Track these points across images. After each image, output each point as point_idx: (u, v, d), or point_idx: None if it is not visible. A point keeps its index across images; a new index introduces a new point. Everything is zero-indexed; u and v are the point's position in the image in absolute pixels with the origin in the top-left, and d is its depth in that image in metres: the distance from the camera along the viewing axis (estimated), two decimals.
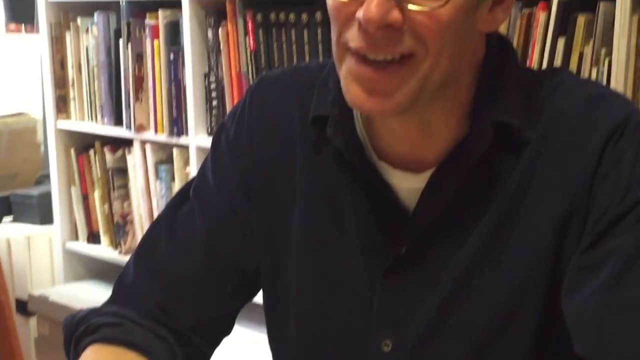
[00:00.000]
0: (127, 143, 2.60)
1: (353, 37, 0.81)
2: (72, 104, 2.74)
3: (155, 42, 2.42)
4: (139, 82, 2.49)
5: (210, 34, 2.30)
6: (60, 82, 2.75)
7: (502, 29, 1.69)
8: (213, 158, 1.00)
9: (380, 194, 0.90)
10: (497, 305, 0.86)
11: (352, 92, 0.84)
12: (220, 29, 2.27)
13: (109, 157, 2.67)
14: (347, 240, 0.92)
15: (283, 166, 0.95)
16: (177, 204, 1.00)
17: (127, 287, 0.97)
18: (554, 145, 0.86)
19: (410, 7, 0.78)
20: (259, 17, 2.17)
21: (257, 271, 0.97)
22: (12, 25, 3.73)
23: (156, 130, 2.47)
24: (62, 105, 2.76)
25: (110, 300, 0.98)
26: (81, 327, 0.93)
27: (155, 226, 1.00)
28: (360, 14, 0.79)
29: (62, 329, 0.96)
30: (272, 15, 2.15)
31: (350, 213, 0.92)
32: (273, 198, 0.96)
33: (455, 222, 0.88)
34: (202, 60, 2.33)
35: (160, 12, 2.40)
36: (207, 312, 0.96)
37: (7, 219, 3.11)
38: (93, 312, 0.95)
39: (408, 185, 0.90)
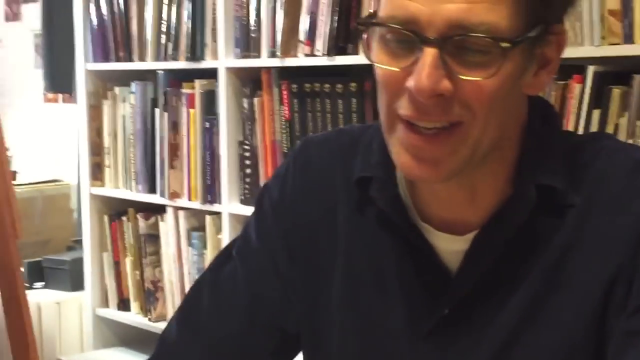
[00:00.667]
0: (160, 210, 2.63)
1: (403, 106, 0.82)
2: (106, 171, 2.78)
3: (191, 111, 2.47)
4: (174, 149, 2.53)
5: (245, 103, 2.35)
6: (96, 150, 2.80)
7: None
8: (256, 218, 1.01)
9: (423, 255, 0.91)
10: None
11: (402, 160, 0.85)
12: (255, 99, 2.31)
13: (141, 223, 2.69)
14: (390, 301, 0.92)
15: (325, 227, 0.96)
16: (220, 264, 1.01)
17: (170, 345, 0.98)
18: (598, 209, 0.86)
19: (461, 76, 0.80)
20: (294, 87, 2.21)
21: (299, 331, 0.97)
22: (50, 95, 3.82)
23: (190, 198, 2.49)
24: (97, 172, 2.81)
25: (154, 357, 0.98)
26: None
27: (198, 285, 1.01)
28: (411, 83, 0.79)
29: None
30: (307, 85, 2.19)
31: (392, 274, 0.92)
32: (315, 258, 0.96)
33: (499, 284, 0.88)
34: (237, 129, 2.37)
35: (197, 82, 2.46)
36: None
37: (39, 284, 3.13)
38: None
39: (451, 247, 0.90)
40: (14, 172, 2.54)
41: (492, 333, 0.88)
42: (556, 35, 0.85)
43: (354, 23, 2.05)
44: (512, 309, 0.87)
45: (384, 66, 0.82)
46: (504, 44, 0.78)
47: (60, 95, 3.81)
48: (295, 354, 1.01)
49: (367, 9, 2.02)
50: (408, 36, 0.79)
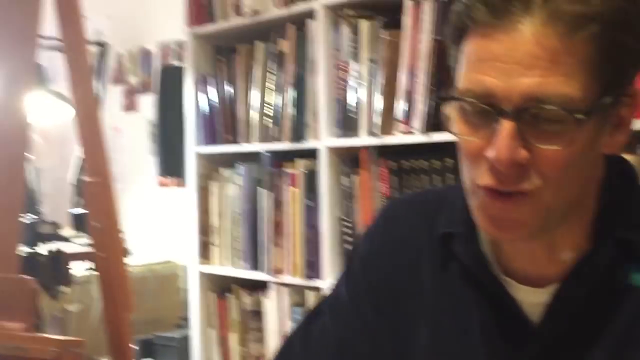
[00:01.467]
0: (264, 286, 2.71)
1: (482, 175, 0.86)
2: (213, 249, 2.89)
3: (294, 189, 2.56)
4: (277, 227, 2.62)
5: (345, 181, 2.42)
6: (204, 229, 2.92)
7: None
8: (346, 274, 1.06)
9: (506, 308, 0.94)
10: None
11: (483, 225, 0.89)
12: (355, 176, 2.39)
13: (246, 300, 2.77)
14: (473, 353, 0.95)
15: (411, 280, 1.00)
16: (311, 318, 1.07)
17: None
18: None
19: (538, 145, 0.83)
20: (392, 164, 2.28)
21: None
22: (164, 179, 4.01)
23: (292, 274, 2.56)
24: (204, 250, 2.92)
25: None
26: None
27: (290, 339, 1.07)
28: (490, 154, 0.83)
29: None
30: (405, 163, 2.25)
31: (476, 327, 0.96)
32: (401, 311, 1.00)
33: (579, 337, 0.90)
34: (337, 206, 2.44)
35: (299, 162, 2.56)
36: None
37: None
38: None
39: (532, 300, 0.93)
40: (128, 250, 2.67)
41: None
42: (632, 97, 0.88)
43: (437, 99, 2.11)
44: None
45: (465, 137, 0.87)
46: (579, 116, 0.81)
47: (173, 180, 4.00)
48: None
49: None
50: (485, 109, 0.83)
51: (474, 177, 0.87)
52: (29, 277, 1.89)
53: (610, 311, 0.89)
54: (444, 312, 0.98)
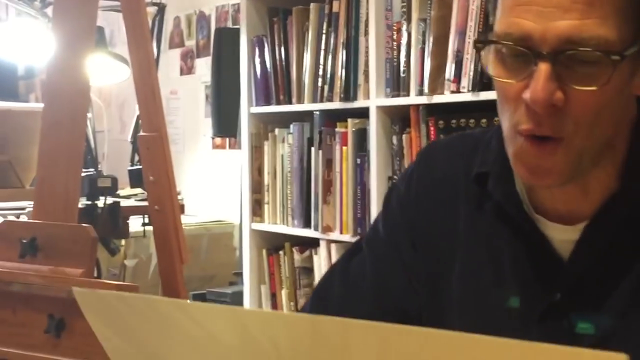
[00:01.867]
0: (314, 244, 2.77)
1: (521, 120, 0.89)
2: (266, 207, 2.96)
3: (344, 148, 2.61)
4: (328, 186, 2.67)
5: (394, 140, 2.46)
6: (257, 188, 2.99)
7: None
8: (384, 212, 1.11)
9: (537, 244, 0.97)
10: None
11: (518, 170, 0.93)
12: (404, 135, 2.42)
13: (297, 257, 2.84)
14: (506, 287, 0.99)
15: (447, 219, 1.04)
16: (351, 254, 1.12)
17: None
18: None
19: (574, 86, 0.85)
20: (440, 123, 2.30)
21: (420, 314, 1.06)
22: (218, 141, 4.10)
23: (341, 231, 2.62)
24: (257, 208, 2.99)
25: None
26: None
27: (331, 272, 1.12)
28: (527, 95, 0.86)
29: None
30: (453, 122, 2.27)
31: (508, 262, 0.99)
32: (436, 247, 1.05)
33: (608, 271, 0.93)
34: (386, 165, 2.48)
35: (350, 121, 2.60)
36: None
37: None
38: None
39: (563, 237, 0.96)
40: (183, 206, 2.76)
41: (603, 316, 0.93)
42: None
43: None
44: (621, 295, 0.92)
45: (502, 79, 0.89)
46: (614, 57, 0.84)
47: (227, 142, 4.08)
48: None
49: None
50: (523, 52, 0.86)
51: (513, 123, 0.90)
52: (88, 225, 1.97)
53: (638, 247, 0.92)
54: (477, 249, 1.02)
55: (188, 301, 0.65)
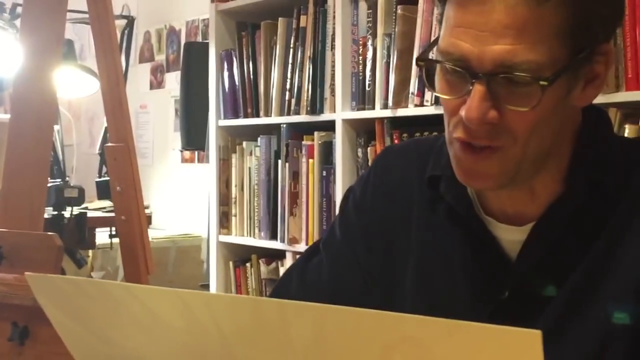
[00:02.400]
0: (281, 255, 2.79)
1: (457, 129, 0.94)
2: (233, 220, 2.98)
3: (310, 161, 2.64)
4: (294, 198, 2.70)
5: (360, 152, 2.50)
6: (224, 200, 3.01)
7: None
8: (341, 215, 1.14)
9: (487, 245, 1.01)
10: (589, 343, 0.94)
11: (458, 173, 0.97)
12: (369, 148, 2.46)
13: (263, 268, 2.86)
14: (456, 286, 1.02)
15: (401, 221, 1.08)
16: (308, 256, 1.15)
17: None
18: None
19: (507, 106, 0.90)
20: (404, 136, 2.34)
21: None
22: (187, 155, 4.11)
23: (307, 243, 2.64)
24: (224, 221, 3.01)
25: None
26: None
27: (289, 272, 1.15)
28: (462, 112, 0.91)
29: None
30: (417, 134, 2.31)
31: (459, 262, 1.03)
32: (391, 250, 1.08)
33: (553, 269, 0.97)
34: (352, 177, 2.51)
35: (316, 134, 2.63)
36: None
37: None
38: None
39: (511, 237, 1.00)
40: (150, 216, 2.78)
41: (547, 312, 0.96)
42: (604, 55, 0.94)
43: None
44: (565, 292, 0.96)
45: (442, 96, 0.95)
46: (543, 82, 0.88)
47: (196, 156, 4.10)
48: None
49: None
50: (460, 72, 0.91)
51: (451, 130, 0.95)
52: (53, 234, 1.98)
53: (582, 245, 0.96)
54: (430, 250, 1.06)
55: (135, 284, 0.67)
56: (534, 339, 0.51)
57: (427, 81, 0.97)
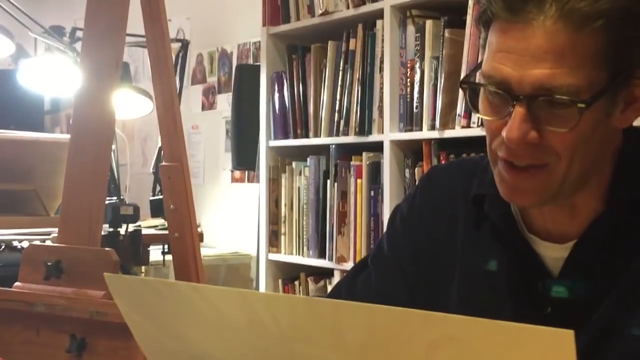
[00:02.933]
0: (329, 274, 2.84)
1: (500, 148, 0.98)
2: (282, 238, 3.04)
3: (359, 181, 2.69)
4: (342, 217, 2.75)
5: (407, 173, 2.54)
6: (274, 219, 3.07)
7: None
8: (388, 232, 1.19)
9: (530, 261, 1.05)
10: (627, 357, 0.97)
11: (501, 190, 1.01)
12: (416, 169, 2.50)
13: (311, 286, 2.90)
14: (500, 302, 1.06)
15: (447, 238, 1.12)
16: (357, 271, 1.20)
17: None
18: None
19: (547, 127, 0.94)
20: (451, 157, 2.38)
21: None
22: (237, 174, 4.19)
23: (354, 261, 2.69)
24: (273, 239, 3.07)
25: None
26: None
27: (338, 287, 1.20)
28: (504, 133, 0.95)
29: None
30: (464, 155, 2.35)
31: (503, 278, 1.07)
32: (437, 264, 1.12)
33: (594, 286, 1.00)
34: (399, 197, 2.55)
35: (364, 155, 2.68)
36: None
37: None
38: None
39: (553, 255, 1.04)
40: (202, 234, 2.84)
41: (589, 329, 0.99)
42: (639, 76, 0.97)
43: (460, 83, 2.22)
44: (606, 309, 0.99)
45: (485, 117, 0.99)
46: (580, 105, 0.91)
47: (246, 176, 4.18)
48: None
49: None
50: (502, 94, 0.95)
51: (493, 148, 0.99)
52: (110, 249, 2.06)
53: (623, 263, 0.99)
54: (475, 266, 1.09)
55: (203, 284, 0.73)
56: (567, 338, 0.56)
57: (470, 103, 1.02)
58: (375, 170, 2.65)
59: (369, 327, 0.60)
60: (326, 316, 0.61)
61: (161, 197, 2.56)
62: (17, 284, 2.07)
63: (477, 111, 1.00)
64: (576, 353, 0.99)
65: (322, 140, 2.85)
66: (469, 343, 0.57)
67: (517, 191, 0.99)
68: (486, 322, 0.56)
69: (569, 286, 1.01)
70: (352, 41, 2.75)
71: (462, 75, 2.35)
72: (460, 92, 2.36)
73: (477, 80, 0.99)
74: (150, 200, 3.06)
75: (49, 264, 2.03)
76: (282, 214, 3.04)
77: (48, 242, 2.56)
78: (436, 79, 2.44)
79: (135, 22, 2.39)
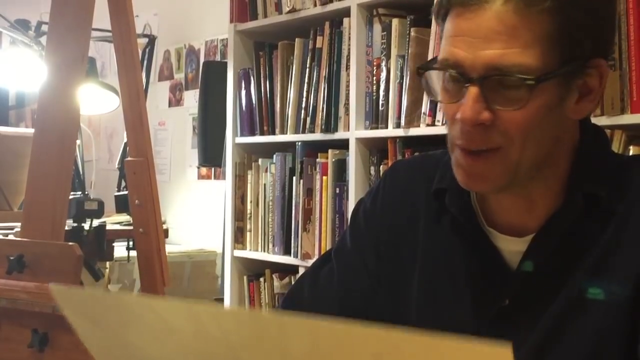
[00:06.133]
0: (294, 270, 2.84)
1: (457, 135, 1.01)
2: (247, 235, 3.04)
3: (324, 178, 2.70)
4: (308, 214, 2.76)
5: (372, 170, 2.55)
6: (240, 216, 3.07)
7: None
8: (351, 226, 1.20)
9: (488, 255, 1.07)
10: (583, 349, 0.99)
11: (458, 176, 1.04)
12: (381, 166, 2.52)
13: (276, 283, 2.91)
14: (460, 294, 1.08)
15: (408, 231, 1.14)
16: (320, 264, 1.21)
17: None
18: (638, 215, 1.00)
19: (497, 107, 0.97)
20: (416, 155, 2.40)
21: (382, 319, 1.14)
22: (204, 171, 4.18)
23: None
24: (239, 236, 3.07)
25: None
26: None
27: (302, 279, 1.21)
28: (458, 115, 0.98)
29: None
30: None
31: (462, 271, 1.08)
32: (398, 258, 1.14)
33: (551, 279, 1.02)
34: (364, 194, 2.56)
35: (330, 152, 2.69)
36: None
37: None
38: None
39: (512, 248, 1.05)
40: (167, 230, 2.84)
41: (546, 319, 1.02)
42: (596, 68, 1.00)
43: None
44: (562, 300, 1.01)
45: (444, 102, 1.02)
46: (529, 82, 0.94)
47: (212, 172, 4.17)
48: None
49: None
50: (457, 77, 0.98)
51: (451, 137, 1.02)
52: (73, 244, 2.05)
53: (578, 255, 1.02)
54: (435, 259, 1.11)
55: (149, 295, 0.73)
56: (505, 354, 0.57)
57: (426, 90, 1.04)
58: (340, 168, 2.67)
59: (313, 341, 0.61)
60: (272, 330, 0.63)
61: (126, 192, 2.56)
62: None
63: (433, 96, 1.03)
64: (532, 348, 1.02)
65: (289, 137, 2.86)
66: (411, 356, 0.59)
67: (472, 176, 1.01)
68: (426, 339, 0.58)
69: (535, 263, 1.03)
70: (319, 39, 2.76)
71: None
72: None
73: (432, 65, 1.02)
74: (115, 196, 3.04)
75: (12, 258, 2.02)
76: (248, 211, 3.04)
77: (11, 237, 2.54)
78: (402, 77, 2.45)
79: (102, 17, 2.38)
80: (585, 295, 1.00)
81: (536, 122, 0.97)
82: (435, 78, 1.02)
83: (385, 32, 2.52)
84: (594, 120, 1.11)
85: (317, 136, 2.74)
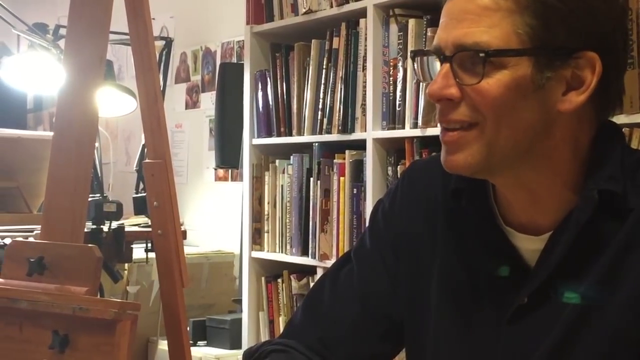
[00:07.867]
0: (312, 271, 2.85)
1: (437, 114, 1.04)
2: (265, 236, 3.05)
3: (342, 179, 2.71)
4: (325, 215, 2.76)
5: (390, 170, 2.55)
6: (257, 217, 3.08)
7: None
8: (370, 226, 1.20)
9: (507, 253, 1.07)
10: (601, 350, 0.99)
11: (442, 157, 1.05)
12: (399, 166, 2.52)
13: (294, 284, 2.92)
14: (478, 293, 1.08)
15: (427, 231, 1.14)
16: (340, 265, 1.21)
17: (295, 324, 1.18)
18: None
19: (464, 82, 0.99)
20: (433, 154, 2.39)
21: (402, 319, 1.14)
22: (221, 173, 4.19)
23: (337, 259, 2.70)
24: (257, 237, 3.08)
25: (281, 335, 1.18)
26: (255, 354, 1.14)
27: (322, 280, 1.21)
28: (427, 90, 1.02)
29: (242, 358, 1.17)
30: None
31: (481, 270, 1.08)
32: (417, 258, 1.14)
33: (569, 276, 1.02)
34: (382, 194, 2.55)
35: (347, 153, 2.70)
36: (360, 349, 1.14)
37: (202, 342, 3.41)
38: (266, 342, 1.16)
39: (529, 246, 1.05)
40: (185, 232, 2.85)
41: (564, 317, 1.01)
42: (587, 61, 0.99)
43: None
44: (580, 298, 1.01)
45: (427, 82, 1.05)
46: (481, 54, 0.97)
47: (229, 174, 4.18)
48: (401, 341, 1.18)
49: None
50: (438, 57, 1.03)
51: (437, 118, 1.05)
52: (93, 245, 2.06)
53: (595, 253, 1.01)
54: (453, 258, 1.11)
55: None
56: None
57: (415, 73, 1.10)
58: (358, 168, 2.67)
59: None
60: None
61: (144, 194, 2.56)
62: None
63: (423, 79, 1.07)
64: (549, 347, 1.01)
65: (306, 138, 2.87)
66: None
67: (451, 153, 1.02)
68: None
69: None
70: (335, 40, 2.77)
71: None
72: None
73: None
74: (134, 198, 3.06)
75: (32, 260, 2.03)
76: (266, 212, 3.05)
77: (31, 239, 2.55)
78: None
79: (119, 20, 2.39)
80: (603, 293, 1.00)
81: (504, 100, 0.98)
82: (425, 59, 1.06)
83: (401, 33, 2.52)
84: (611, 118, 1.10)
85: (334, 137, 2.74)
